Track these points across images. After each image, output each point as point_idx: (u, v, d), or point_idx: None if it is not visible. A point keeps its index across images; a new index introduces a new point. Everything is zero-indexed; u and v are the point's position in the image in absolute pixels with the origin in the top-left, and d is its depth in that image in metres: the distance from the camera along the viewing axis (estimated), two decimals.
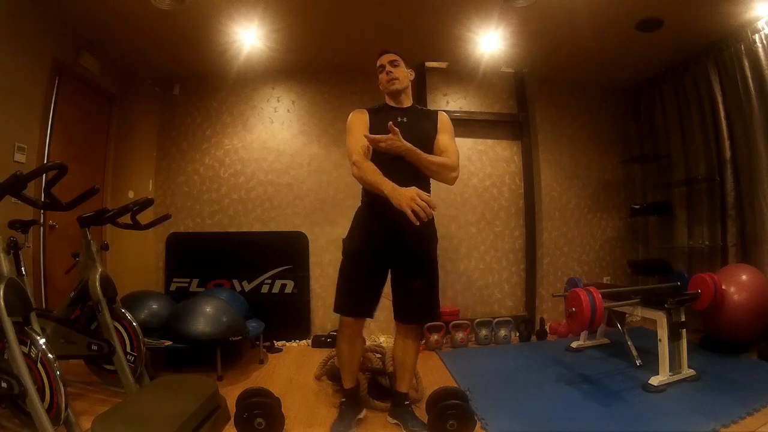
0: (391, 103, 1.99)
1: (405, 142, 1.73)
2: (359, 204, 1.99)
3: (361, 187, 1.90)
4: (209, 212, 3.79)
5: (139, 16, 2.83)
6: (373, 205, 1.84)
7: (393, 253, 1.87)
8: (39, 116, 2.75)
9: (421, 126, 1.92)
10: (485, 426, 1.94)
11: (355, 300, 1.88)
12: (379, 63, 2.00)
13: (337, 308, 1.91)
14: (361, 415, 2.02)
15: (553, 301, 3.87)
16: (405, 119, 1.91)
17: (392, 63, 1.96)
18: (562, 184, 4.08)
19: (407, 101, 2.00)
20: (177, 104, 3.88)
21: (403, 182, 1.65)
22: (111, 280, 2.24)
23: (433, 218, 1.83)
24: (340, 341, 1.99)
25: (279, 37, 3.17)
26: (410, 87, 2.02)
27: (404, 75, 1.97)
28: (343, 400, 2.01)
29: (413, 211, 1.52)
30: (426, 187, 1.85)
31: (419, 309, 1.94)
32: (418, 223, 1.53)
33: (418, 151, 1.77)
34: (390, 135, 1.71)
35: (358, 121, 1.92)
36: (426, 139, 1.89)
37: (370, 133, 1.83)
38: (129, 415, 1.69)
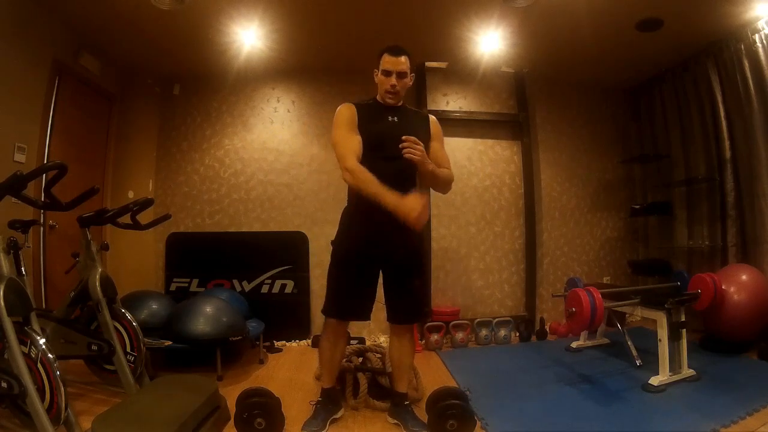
0: (382, 101, 1.91)
1: (425, 154, 1.76)
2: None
3: (347, 188, 1.87)
4: (209, 212, 3.79)
5: (139, 16, 2.83)
6: (360, 206, 1.81)
7: (381, 255, 1.85)
8: (39, 116, 2.75)
9: (412, 128, 1.85)
10: (485, 426, 1.94)
11: (341, 302, 1.89)
12: (385, 66, 1.84)
13: (324, 310, 1.93)
14: (337, 415, 2.01)
15: (553, 301, 3.87)
16: (396, 119, 1.87)
17: (400, 75, 1.83)
18: (562, 184, 4.08)
19: (398, 101, 1.94)
20: (177, 104, 3.88)
21: (395, 183, 1.65)
22: (111, 280, 2.24)
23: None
24: (322, 341, 1.99)
25: (279, 37, 3.17)
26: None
27: (405, 87, 1.89)
28: (320, 399, 2.00)
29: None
30: (414, 182, 1.86)
31: (410, 309, 1.93)
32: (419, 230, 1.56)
33: (435, 171, 1.81)
34: (409, 149, 1.71)
35: (347, 117, 1.83)
36: (414, 132, 1.83)
37: (360, 129, 1.80)
38: (129, 415, 1.69)
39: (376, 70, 1.90)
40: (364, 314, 1.91)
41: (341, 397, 2.11)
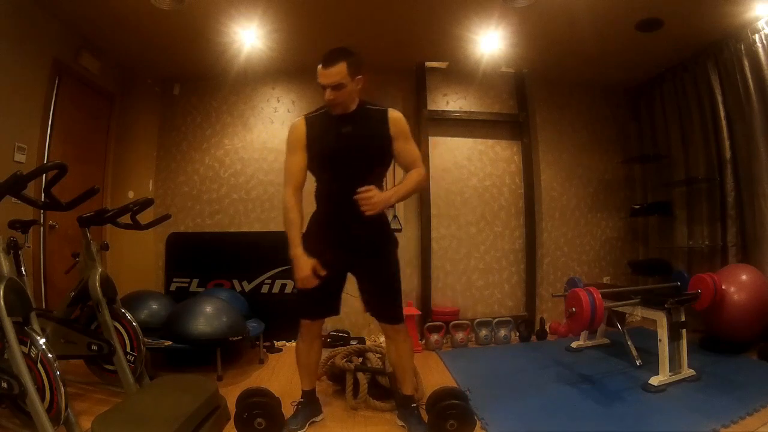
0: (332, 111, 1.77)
1: (382, 197, 1.68)
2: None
3: (315, 192, 1.86)
4: (209, 212, 3.79)
5: (139, 16, 2.83)
6: (326, 211, 1.83)
7: (348, 258, 1.84)
8: (39, 116, 2.75)
9: (368, 134, 1.77)
10: (485, 426, 1.94)
11: (311, 304, 1.88)
12: (318, 79, 1.69)
13: (298, 312, 1.93)
14: (318, 418, 2.01)
15: (553, 301, 3.87)
16: (350, 128, 1.75)
17: (336, 87, 1.67)
18: (562, 184, 4.08)
19: (353, 105, 1.78)
20: (177, 104, 3.88)
21: (352, 208, 1.66)
22: (111, 280, 2.24)
23: (386, 223, 1.92)
24: (298, 343, 1.97)
25: (279, 37, 3.17)
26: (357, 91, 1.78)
27: (349, 94, 1.73)
28: (301, 400, 1.99)
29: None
30: (379, 187, 1.80)
31: (384, 308, 1.89)
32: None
33: (398, 193, 1.78)
34: (365, 205, 1.65)
35: (293, 139, 1.80)
36: (374, 147, 1.78)
37: (309, 147, 1.75)
38: (129, 415, 1.70)
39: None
40: (334, 310, 1.93)
41: (321, 401, 2.09)
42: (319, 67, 1.69)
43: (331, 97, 1.70)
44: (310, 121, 1.82)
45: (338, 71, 1.67)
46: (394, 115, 1.82)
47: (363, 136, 1.76)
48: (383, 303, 1.89)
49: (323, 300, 1.87)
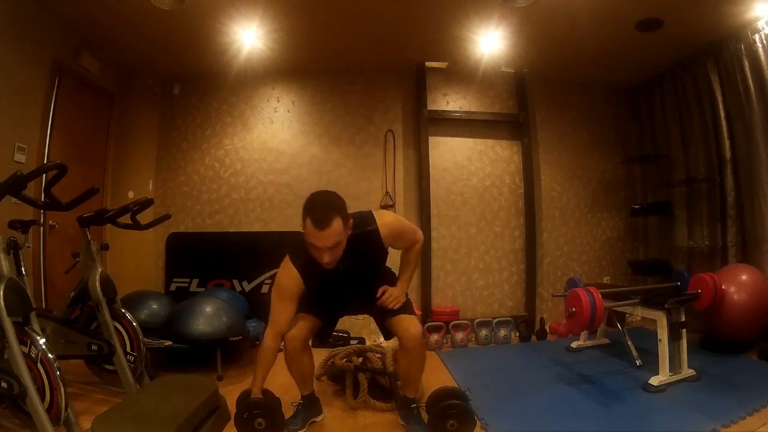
0: None
1: (401, 290, 1.86)
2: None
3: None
4: (209, 212, 3.79)
5: (139, 16, 2.83)
6: (306, 266, 1.71)
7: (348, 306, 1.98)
8: (39, 116, 2.75)
9: (364, 259, 1.75)
10: (485, 426, 1.94)
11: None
12: (312, 240, 1.54)
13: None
14: (318, 419, 2.02)
15: (553, 301, 3.87)
16: (346, 263, 1.68)
17: (332, 248, 1.55)
18: (562, 184, 4.08)
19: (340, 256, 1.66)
20: (177, 104, 3.88)
21: (361, 290, 1.83)
22: (111, 280, 2.24)
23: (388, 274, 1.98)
24: (286, 359, 1.95)
25: (279, 37, 3.17)
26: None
27: (343, 244, 1.60)
28: (301, 402, 2.00)
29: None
30: (382, 279, 1.92)
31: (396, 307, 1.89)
32: None
33: (409, 280, 1.93)
34: (391, 303, 1.81)
35: (287, 291, 1.74)
36: (374, 267, 1.87)
37: (306, 288, 1.74)
38: (129, 415, 1.69)
39: (303, 224, 1.56)
40: (326, 341, 2.06)
41: (321, 402, 2.10)
42: (309, 224, 1.52)
43: (329, 260, 1.58)
44: (303, 269, 1.70)
45: (334, 230, 1.52)
46: (385, 230, 1.73)
47: (359, 263, 1.75)
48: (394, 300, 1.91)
49: (321, 316, 1.93)
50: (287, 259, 1.75)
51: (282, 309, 1.78)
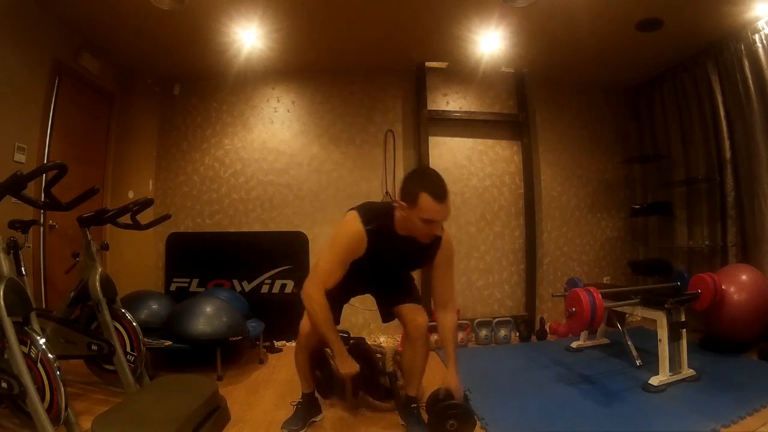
0: (404, 234, 1.66)
1: (456, 374, 1.82)
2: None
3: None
4: (209, 212, 3.79)
5: (139, 16, 2.83)
6: (376, 239, 1.66)
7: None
8: (39, 116, 2.75)
9: (413, 256, 1.77)
10: (485, 426, 1.94)
11: None
12: (429, 214, 1.53)
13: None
14: (317, 418, 2.01)
15: (553, 301, 3.87)
16: (399, 251, 1.70)
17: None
18: (562, 184, 4.08)
19: None
20: (177, 104, 3.88)
21: (389, 284, 1.80)
22: (111, 280, 2.24)
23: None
24: (297, 352, 1.93)
25: (279, 37, 3.17)
26: None
27: None
28: (300, 401, 1.99)
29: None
30: (408, 280, 1.93)
31: (402, 294, 1.91)
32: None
33: (455, 358, 1.86)
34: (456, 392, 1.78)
35: (348, 249, 1.64)
36: (413, 267, 1.88)
37: (366, 254, 1.64)
38: (129, 415, 1.69)
39: (403, 204, 1.58)
40: (336, 321, 1.93)
41: (320, 402, 2.08)
42: (428, 199, 1.51)
43: (437, 233, 1.62)
44: (372, 235, 1.64)
45: (450, 203, 1.58)
46: (446, 245, 1.76)
47: (408, 260, 1.77)
48: (402, 288, 1.91)
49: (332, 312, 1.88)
50: (355, 217, 1.65)
51: (336, 267, 1.64)
